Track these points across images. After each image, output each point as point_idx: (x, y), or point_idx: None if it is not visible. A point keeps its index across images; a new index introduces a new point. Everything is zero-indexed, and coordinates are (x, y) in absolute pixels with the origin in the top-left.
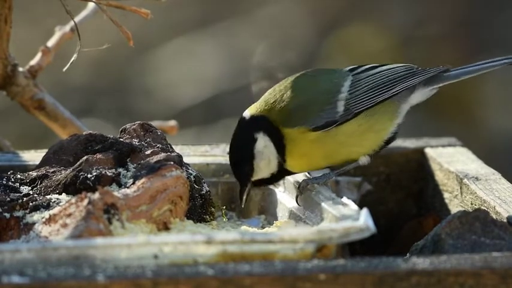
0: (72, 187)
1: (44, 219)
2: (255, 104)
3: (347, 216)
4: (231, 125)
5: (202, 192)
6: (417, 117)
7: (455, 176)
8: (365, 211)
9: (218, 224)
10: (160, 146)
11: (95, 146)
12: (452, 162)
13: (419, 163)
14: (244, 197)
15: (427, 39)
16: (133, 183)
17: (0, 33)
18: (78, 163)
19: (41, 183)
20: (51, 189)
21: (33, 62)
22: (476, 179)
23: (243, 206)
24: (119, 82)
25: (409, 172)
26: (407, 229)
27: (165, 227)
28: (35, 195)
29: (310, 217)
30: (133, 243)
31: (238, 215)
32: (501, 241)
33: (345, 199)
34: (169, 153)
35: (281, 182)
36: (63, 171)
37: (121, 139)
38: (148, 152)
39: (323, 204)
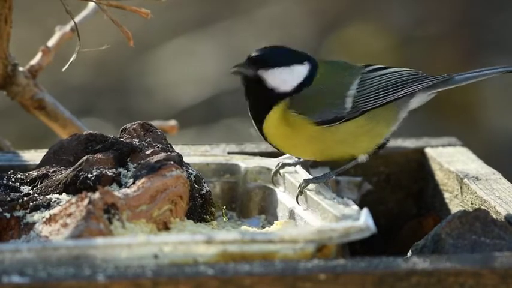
0: (73, 187)
1: (44, 219)
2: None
3: (347, 216)
4: (231, 125)
5: (203, 192)
6: (417, 117)
7: (455, 175)
8: (365, 211)
9: (218, 224)
10: (161, 145)
11: (95, 145)
12: (452, 162)
13: (420, 163)
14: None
15: (427, 39)
16: (134, 183)
17: (1, 33)
18: (78, 163)
19: (41, 183)
20: (52, 189)
21: (33, 62)
22: (477, 178)
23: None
24: (119, 82)
25: (409, 172)
26: (408, 229)
27: (165, 226)
28: (35, 195)
29: (310, 217)
30: (133, 243)
31: (238, 214)
32: (501, 241)
33: (345, 199)
34: (169, 153)
35: (281, 182)
36: (63, 171)
37: (121, 139)
38: (148, 151)
39: (323, 204)
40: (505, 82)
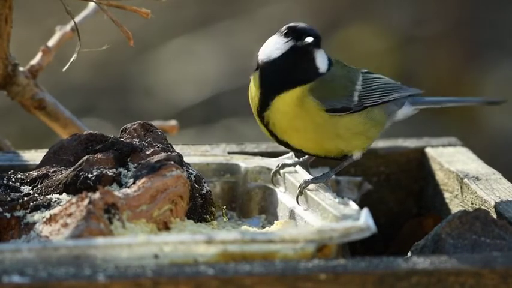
0: (73, 187)
1: (44, 219)
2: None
3: (347, 216)
4: (231, 125)
5: (203, 192)
6: (417, 117)
7: (455, 175)
8: (365, 211)
9: (219, 224)
10: (161, 145)
11: (96, 145)
12: (452, 161)
13: (420, 163)
14: None
15: (427, 39)
16: (134, 183)
17: (1, 32)
18: (78, 163)
19: (41, 183)
20: (52, 189)
21: (33, 62)
22: (477, 178)
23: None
24: (119, 82)
25: (409, 172)
26: (408, 229)
27: (166, 226)
28: (36, 195)
29: (310, 217)
30: (133, 243)
31: (238, 214)
32: (501, 241)
33: (345, 199)
34: (169, 153)
35: (281, 182)
36: (63, 171)
37: (121, 139)
38: (148, 151)
39: (323, 204)
40: (505, 82)
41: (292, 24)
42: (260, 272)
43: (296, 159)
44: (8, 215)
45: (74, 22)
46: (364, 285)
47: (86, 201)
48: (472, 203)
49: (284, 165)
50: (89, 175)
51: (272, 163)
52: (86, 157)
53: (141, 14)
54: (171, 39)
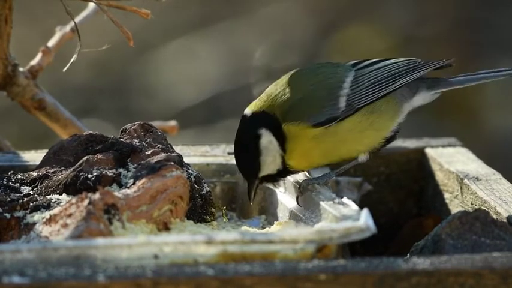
0: (73, 187)
1: (44, 220)
2: (256, 100)
3: (347, 217)
4: (231, 125)
5: (203, 192)
6: (418, 117)
7: (455, 176)
8: (365, 211)
9: (218, 224)
10: (161, 146)
11: (96, 146)
12: (452, 162)
13: (420, 163)
14: (253, 194)
15: (427, 40)
16: (134, 183)
17: (1, 33)
18: (78, 163)
19: (41, 183)
20: (52, 189)
21: (33, 62)
22: (477, 179)
23: (251, 203)
24: (119, 82)
25: (409, 172)
26: (408, 229)
27: (166, 227)
28: (36, 195)
29: (310, 217)
30: (133, 244)
31: (238, 215)
32: (501, 241)
33: (345, 199)
34: (169, 153)
35: (281, 182)
36: (63, 172)
37: (121, 139)
38: (148, 152)
39: (323, 204)
40: (505, 82)
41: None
42: (260, 273)
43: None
44: (8, 215)
45: (74, 22)
46: (364, 285)
47: (86, 201)
48: (472, 204)
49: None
50: (89, 175)
51: None
52: (85, 157)
53: (141, 14)
54: (171, 40)
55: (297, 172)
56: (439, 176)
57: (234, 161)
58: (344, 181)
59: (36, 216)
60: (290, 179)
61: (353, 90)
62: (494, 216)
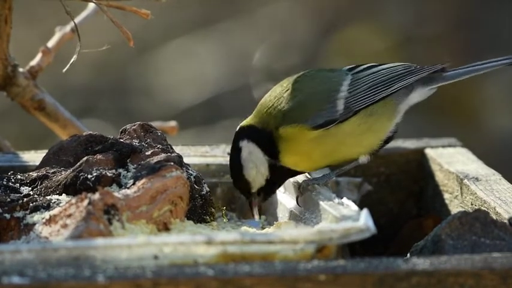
0: (72, 188)
1: (44, 220)
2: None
3: (347, 217)
4: (231, 126)
5: (203, 192)
6: (417, 117)
7: (455, 176)
8: (365, 212)
9: (218, 225)
10: (161, 146)
11: (95, 146)
12: (452, 162)
13: (420, 163)
14: (255, 211)
15: (427, 39)
16: (134, 183)
17: (1, 33)
18: (78, 164)
19: (41, 183)
20: (52, 189)
21: (33, 63)
22: (477, 179)
23: (257, 218)
24: (119, 83)
25: (409, 172)
26: (408, 229)
27: (165, 227)
28: (35, 195)
29: (310, 218)
30: (133, 244)
31: (238, 215)
32: (501, 242)
33: (345, 200)
34: (169, 153)
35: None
36: (63, 172)
37: (121, 140)
38: (148, 152)
39: (323, 204)
40: (505, 82)
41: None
42: (260, 273)
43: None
44: (7, 215)
45: (74, 23)
46: (363, 286)
47: (86, 202)
48: (471, 204)
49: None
50: (89, 176)
51: None
52: (85, 158)
53: (140, 14)
54: (171, 40)
55: (295, 174)
56: (439, 177)
57: None
58: (344, 181)
59: (36, 217)
60: (290, 179)
61: (351, 93)
62: (494, 217)
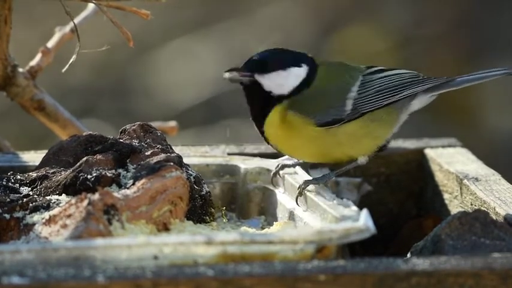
0: (72, 188)
1: (43, 220)
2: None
3: (347, 217)
4: (231, 126)
5: (202, 193)
6: (417, 117)
7: (455, 176)
8: (365, 212)
9: (218, 225)
10: (160, 146)
11: (95, 146)
12: (452, 162)
13: (419, 164)
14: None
15: (427, 40)
16: (133, 184)
17: (0, 33)
18: (78, 164)
19: (40, 184)
20: (51, 190)
21: (33, 63)
22: (476, 179)
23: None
24: (119, 83)
25: (409, 173)
26: (407, 230)
27: (165, 227)
28: (35, 196)
29: (310, 218)
30: (133, 244)
31: (238, 215)
32: (501, 242)
33: (345, 200)
34: (169, 154)
35: (281, 183)
36: (63, 172)
37: (121, 140)
38: (148, 152)
39: (323, 205)
40: (504, 83)
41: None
42: (260, 273)
43: (296, 160)
44: (7, 216)
45: (74, 23)
46: (363, 286)
47: (86, 202)
48: (471, 204)
49: (284, 166)
50: (89, 176)
51: (271, 164)
52: (85, 158)
53: (140, 15)
54: (170, 40)
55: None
56: (439, 177)
57: (233, 162)
58: (344, 182)
59: (36, 217)
60: (290, 180)
61: (360, 95)
62: (494, 217)
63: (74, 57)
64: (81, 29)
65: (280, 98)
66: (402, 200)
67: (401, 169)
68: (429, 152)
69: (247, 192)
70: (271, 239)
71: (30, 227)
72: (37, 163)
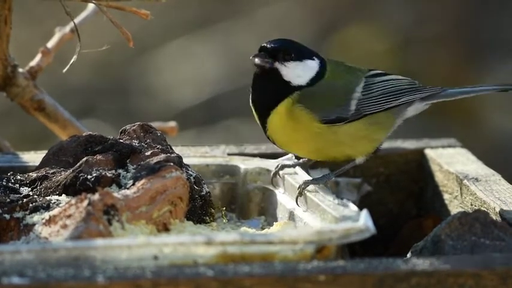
0: (72, 188)
1: (43, 221)
2: (337, 63)
3: (347, 217)
4: (231, 126)
5: (202, 193)
6: (417, 118)
7: (455, 177)
8: (365, 212)
9: (218, 225)
10: (160, 147)
11: (95, 147)
12: (452, 163)
13: (419, 164)
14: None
15: (427, 41)
16: (133, 184)
17: (0, 34)
18: (78, 164)
19: (40, 184)
20: (51, 190)
21: (33, 63)
22: (476, 180)
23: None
24: (118, 83)
25: (409, 173)
26: (407, 230)
27: (165, 228)
28: (35, 196)
29: (309, 218)
30: (133, 244)
31: (238, 216)
32: (501, 242)
33: (344, 200)
34: (169, 154)
35: (281, 183)
36: (63, 172)
37: (121, 140)
38: (148, 153)
39: (323, 205)
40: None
41: (264, 43)
42: (259, 273)
43: (296, 160)
44: (7, 216)
45: (74, 23)
46: (363, 286)
47: (85, 202)
48: (471, 204)
49: (284, 167)
50: (88, 176)
51: (271, 164)
52: (85, 158)
53: (140, 15)
54: (170, 41)
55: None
56: (439, 177)
57: (233, 162)
58: (343, 182)
59: (36, 217)
60: (290, 180)
61: (364, 96)
62: (494, 217)
63: (74, 57)
64: (81, 29)
65: (293, 89)
66: (402, 200)
67: (401, 169)
68: (429, 152)
69: (247, 192)
70: (271, 239)
71: (30, 227)
72: (37, 163)
